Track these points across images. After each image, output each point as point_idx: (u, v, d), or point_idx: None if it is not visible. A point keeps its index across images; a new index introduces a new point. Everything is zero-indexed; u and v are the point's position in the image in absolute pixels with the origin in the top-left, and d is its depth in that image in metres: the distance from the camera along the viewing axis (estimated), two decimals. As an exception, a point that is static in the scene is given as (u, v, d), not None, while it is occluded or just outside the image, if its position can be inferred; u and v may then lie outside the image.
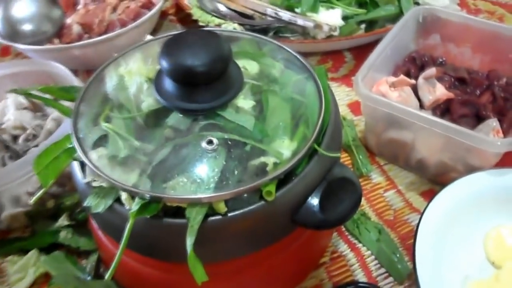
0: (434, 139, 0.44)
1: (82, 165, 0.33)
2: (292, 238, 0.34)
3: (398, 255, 0.41)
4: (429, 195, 0.46)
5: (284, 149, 0.31)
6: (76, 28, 0.59)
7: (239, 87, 0.34)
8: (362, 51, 0.62)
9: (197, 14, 0.63)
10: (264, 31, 0.60)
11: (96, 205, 0.30)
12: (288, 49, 0.39)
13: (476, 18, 0.52)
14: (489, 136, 0.44)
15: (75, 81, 0.50)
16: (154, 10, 0.61)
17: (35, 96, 0.34)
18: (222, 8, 0.63)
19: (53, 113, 0.53)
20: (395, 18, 0.60)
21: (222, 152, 0.31)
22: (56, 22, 0.60)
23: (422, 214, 0.39)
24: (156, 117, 0.33)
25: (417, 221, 0.43)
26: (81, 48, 0.57)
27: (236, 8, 0.63)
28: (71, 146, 0.33)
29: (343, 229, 0.44)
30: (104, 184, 0.30)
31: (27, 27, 0.59)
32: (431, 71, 0.50)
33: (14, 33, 0.58)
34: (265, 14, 0.60)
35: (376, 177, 0.49)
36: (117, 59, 0.38)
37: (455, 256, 0.39)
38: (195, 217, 0.28)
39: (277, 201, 0.30)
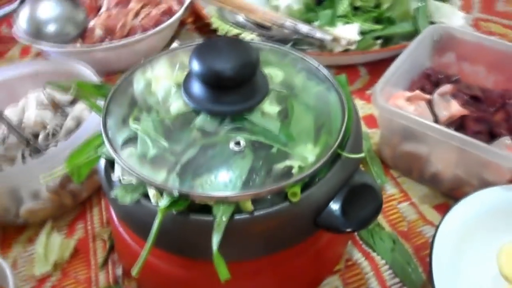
0: (449, 153, 0.45)
1: (110, 162, 0.34)
2: (311, 242, 0.35)
3: (412, 266, 0.41)
4: (443, 208, 0.47)
5: (308, 153, 0.32)
6: (98, 31, 0.60)
7: (265, 92, 0.35)
8: (376, 67, 0.64)
9: (216, 23, 0.64)
10: (281, 42, 0.61)
11: (123, 197, 0.31)
12: (310, 59, 0.40)
13: (490, 38, 0.53)
14: (504, 153, 0.44)
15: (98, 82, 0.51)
16: (174, 18, 0.62)
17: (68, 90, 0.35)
18: (240, 19, 0.65)
19: (72, 112, 0.54)
20: (410, 35, 0.61)
21: (249, 153, 0.31)
22: (79, 24, 0.61)
23: (438, 226, 0.39)
24: (184, 119, 0.34)
25: (430, 233, 0.44)
26: (103, 51, 0.58)
27: (255, 19, 0.64)
28: (101, 144, 0.34)
29: (358, 238, 0.44)
30: (133, 181, 0.31)
31: (51, 27, 0.60)
32: (446, 87, 0.51)
33: (38, 33, 0.60)
34: (283, 27, 0.62)
35: (390, 189, 0.49)
36: (144, 64, 0.39)
37: (470, 269, 0.39)
38: (222, 215, 0.29)
39: (301, 202, 0.30)
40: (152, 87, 0.37)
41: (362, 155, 0.34)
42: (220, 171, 0.31)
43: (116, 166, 0.32)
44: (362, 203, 0.32)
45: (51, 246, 0.45)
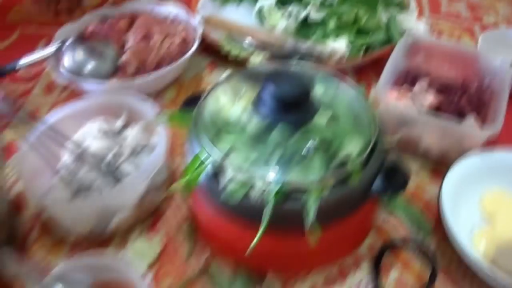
0: (434, 132, 0.60)
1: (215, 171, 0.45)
2: (363, 207, 0.48)
3: (423, 216, 0.57)
4: (436, 173, 0.62)
5: (357, 144, 0.46)
6: (132, 66, 0.70)
7: (317, 104, 0.48)
8: (360, 69, 0.79)
9: (227, 47, 0.76)
10: (286, 58, 0.75)
11: (237, 192, 0.43)
12: (336, 76, 0.53)
13: (445, 42, 0.70)
14: (472, 128, 0.61)
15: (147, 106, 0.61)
16: (195, 46, 0.73)
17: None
18: (248, 40, 0.77)
19: (129, 134, 0.63)
20: (384, 42, 0.77)
21: (319, 149, 0.44)
22: (113, 60, 0.70)
23: (440, 186, 0.54)
24: (262, 130, 0.46)
25: (432, 192, 0.59)
26: (141, 83, 0.68)
27: (259, 39, 0.77)
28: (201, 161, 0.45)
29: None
30: (242, 179, 0.43)
31: (89, 67, 0.69)
32: (423, 83, 0.67)
33: (79, 73, 0.68)
34: (285, 45, 0.75)
35: (395, 164, 0.64)
36: (209, 92, 0.51)
37: (463, 212, 0.55)
38: (314, 196, 0.42)
39: (362, 179, 0.44)
40: (226, 110, 0.49)
41: (395, 139, 0.48)
42: (305, 163, 0.43)
43: (227, 170, 0.44)
44: (397, 175, 0.46)
45: (141, 248, 0.55)
